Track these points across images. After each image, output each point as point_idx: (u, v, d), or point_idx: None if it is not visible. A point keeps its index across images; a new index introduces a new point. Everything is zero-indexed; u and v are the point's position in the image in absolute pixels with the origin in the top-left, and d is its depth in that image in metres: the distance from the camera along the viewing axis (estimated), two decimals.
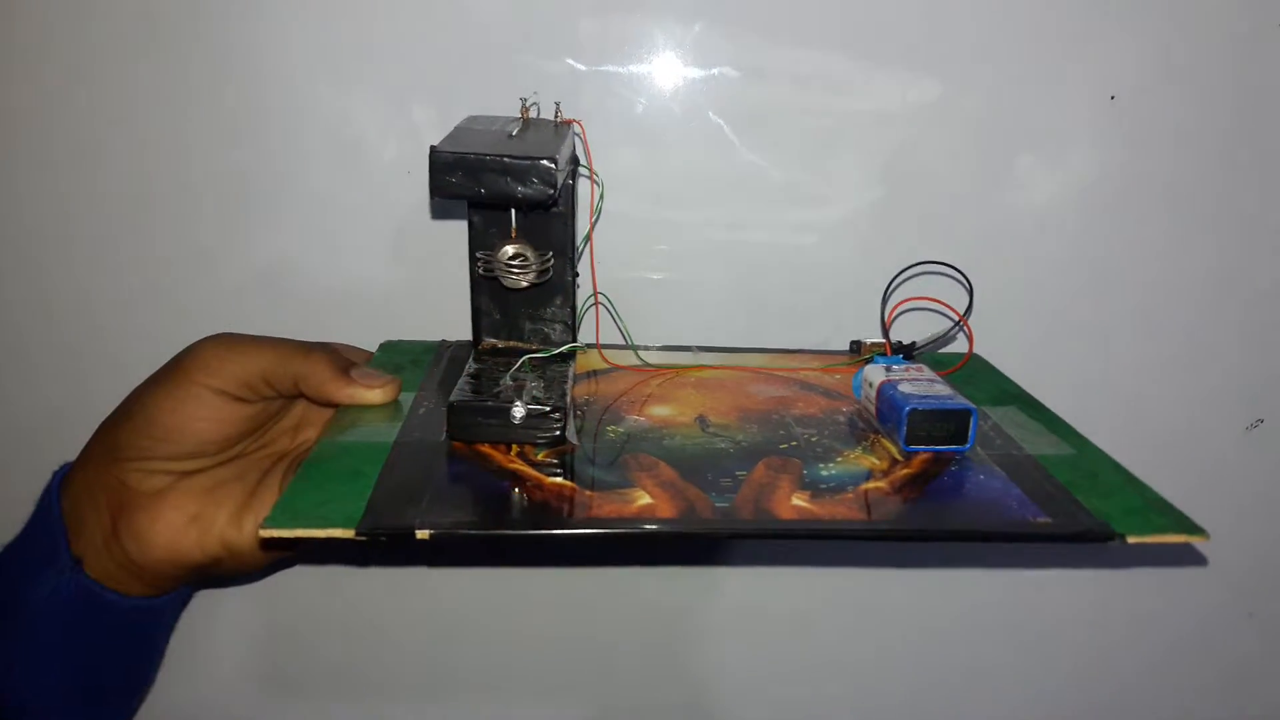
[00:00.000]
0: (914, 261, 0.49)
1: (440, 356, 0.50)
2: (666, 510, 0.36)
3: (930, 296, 0.48)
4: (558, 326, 0.47)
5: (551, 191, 0.38)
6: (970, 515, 0.36)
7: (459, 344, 0.52)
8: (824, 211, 0.55)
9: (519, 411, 0.39)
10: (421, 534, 0.33)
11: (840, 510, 0.36)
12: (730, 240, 0.55)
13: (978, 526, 0.35)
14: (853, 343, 0.54)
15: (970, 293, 0.48)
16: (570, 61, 0.51)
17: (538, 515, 0.35)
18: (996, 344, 0.53)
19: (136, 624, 0.45)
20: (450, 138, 0.39)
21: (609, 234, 0.51)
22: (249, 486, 0.45)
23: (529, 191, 0.38)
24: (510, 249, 0.42)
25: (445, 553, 0.60)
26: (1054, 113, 0.54)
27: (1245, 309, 0.58)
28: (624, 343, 0.51)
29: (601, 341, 0.50)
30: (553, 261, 0.44)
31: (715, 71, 0.52)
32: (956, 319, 0.48)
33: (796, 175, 0.54)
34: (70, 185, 0.53)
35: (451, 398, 0.40)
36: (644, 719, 0.65)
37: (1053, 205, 0.55)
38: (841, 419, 0.45)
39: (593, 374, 0.49)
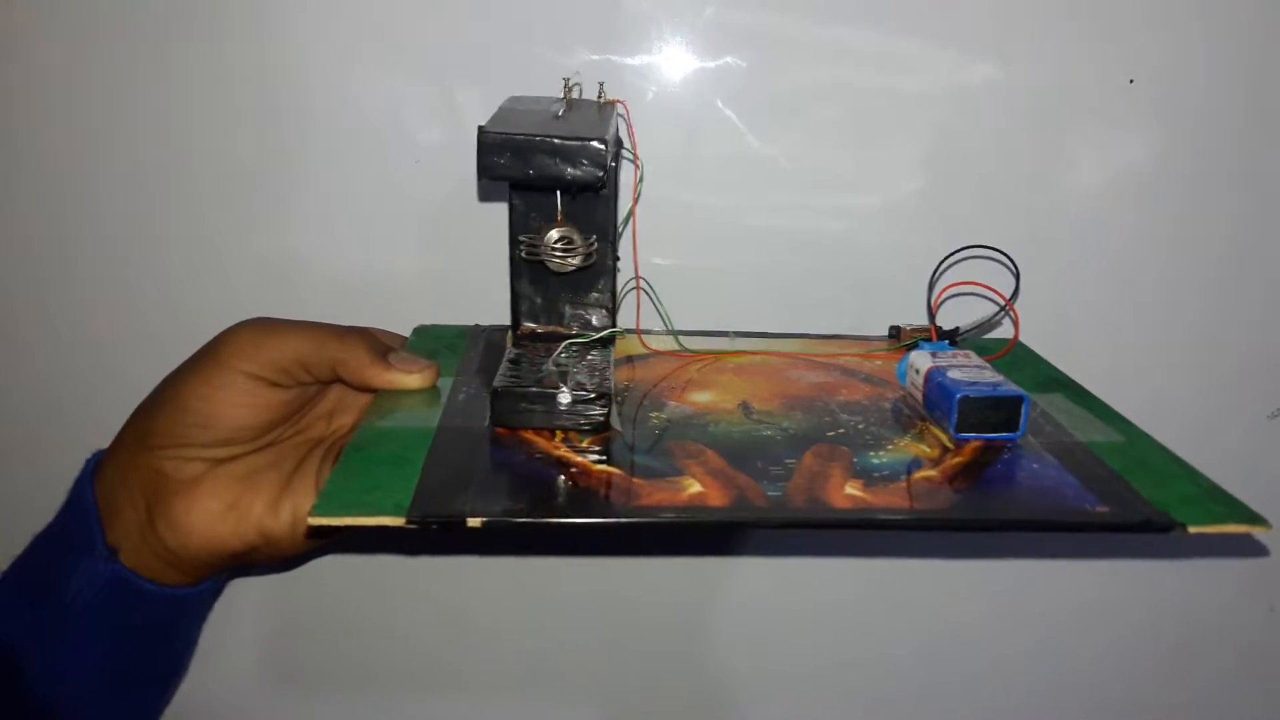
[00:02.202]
0: (959, 246, 0.48)
1: (475, 341, 0.50)
2: (718, 499, 0.35)
3: (975, 281, 0.48)
4: (598, 311, 0.46)
5: (601, 174, 0.37)
6: (1027, 504, 0.35)
7: (494, 328, 0.52)
8: (863, 197, 0.54)
9: (565, 398, 0.39)
10: (473, 522, 0.33)
11: (895, 499, 0.35)
12: (767, 225, 0.54)
13: (1039, 516, 0.35)
14: (892, 328, 0.53)
15: (1016, 277, 0.47)
16: (603, 46, 0.50)
17: (588, 503, 0.34)
18: (1034, 329, 0.52)
19: (172, 612, 0.45)
20: (497, 118, 0.39)
21: (644, 218, 0.51)
22: (285, 474, 0.44)
23: (578, 173, 0.37)
24: (556, 232, 0.41)
25: (490, 540, 0.59)
26: (1101, 97, 0.53)
27: (1269, 293, 0.57)
28: (661, 328, 0.50)
29: (640, 324, 0.49)
30: (596, 245, 0.43)
31: (753, 53, 0.51)
32: (1003, 304, 0.47)
33: (836, 159, 0.53)
34: (81, 178, 0.53)
35: (495, 383, 0.40)
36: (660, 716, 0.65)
37: (1094, 191, 0.54)
38: (887, 406, 0.44)
39: (630, 359, 0.48)
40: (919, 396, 0.44)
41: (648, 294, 0.48)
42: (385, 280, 0.55)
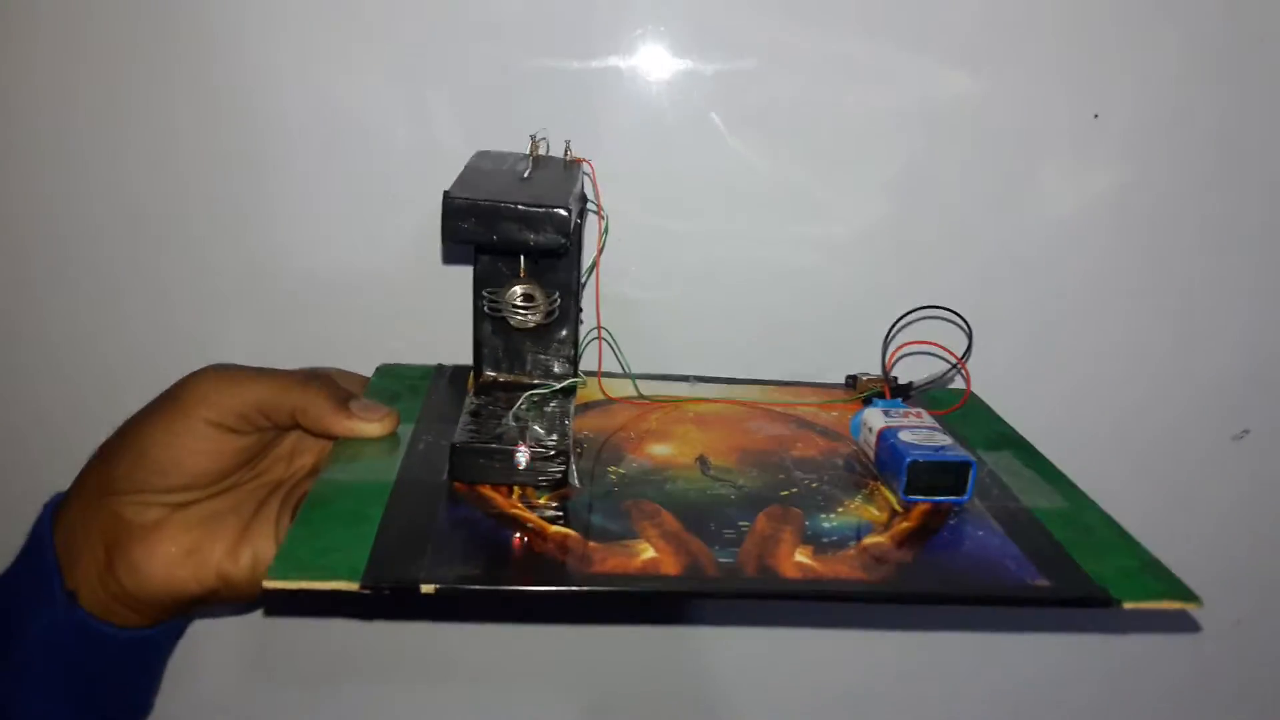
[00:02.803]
0: (915, 306, 0.49)
1: (437, 383, 0.50)
2: (670, 565, 0.36)
3: (928, 340, 0.49)
4: (560, 360, 0.47)
5: (564, 240, 0.37)
6: (969, 576, 0.36)
7: (456, 369, 0.52)
8: (829, 229, 0.55)
9: (522, 459, 0.39)
10: (427, 589, 0.33)
11: (842, 568, 0.36)
12: (730, 259, 0.56)
13: (979, 591, 0.36)
14: (849, 377, 0.54)
15: (969, 336, 0.49)
16: (569, 57, 0.51)
17: (541, 569, 0.35)
18: (992, 369, 0.54)
19: (133, 654, 0.45)
20: (463, 181, 0.39)
21: (612, 248, 0.51)
22: (244, 518, 0.45)
23: (541, 239, 0.37)
24: (519, 289, 0.42)
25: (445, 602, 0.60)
26: (1069, 131, 0.54)
27: (1231, 318, 0.59)
28: (623, 371, 0.51)
29: (601, 369, 0.50)
30: (559, 302, 0.43)
31: (724, 65, 0.52)
32: (954, 361, 0.48)
33: (804, 186, 0.54)
34: (53, 184, 0.53)
35: (454, 439, 0.40)
36: None
37: (1058, 227, 0.56)
38: (840, 462, 0.45)
39: (591, 406, 0.49)
40: (871, 454, 0.45)
41: (609, 345, 0.49)
42: (363, 304, 0.55)
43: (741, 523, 0.39)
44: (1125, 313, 0.58)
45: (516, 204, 0.37)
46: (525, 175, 0.41)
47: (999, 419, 0.51)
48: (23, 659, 0.42)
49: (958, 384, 0.54)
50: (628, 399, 0.50)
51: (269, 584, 0.33)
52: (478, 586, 0.34)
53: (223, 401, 0.42)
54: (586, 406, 0.49)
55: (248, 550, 0.44)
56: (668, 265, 0.55)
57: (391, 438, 0.44)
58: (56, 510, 0.43)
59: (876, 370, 0.54)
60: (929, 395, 0.52)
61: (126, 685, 0.46)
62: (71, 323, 0.56)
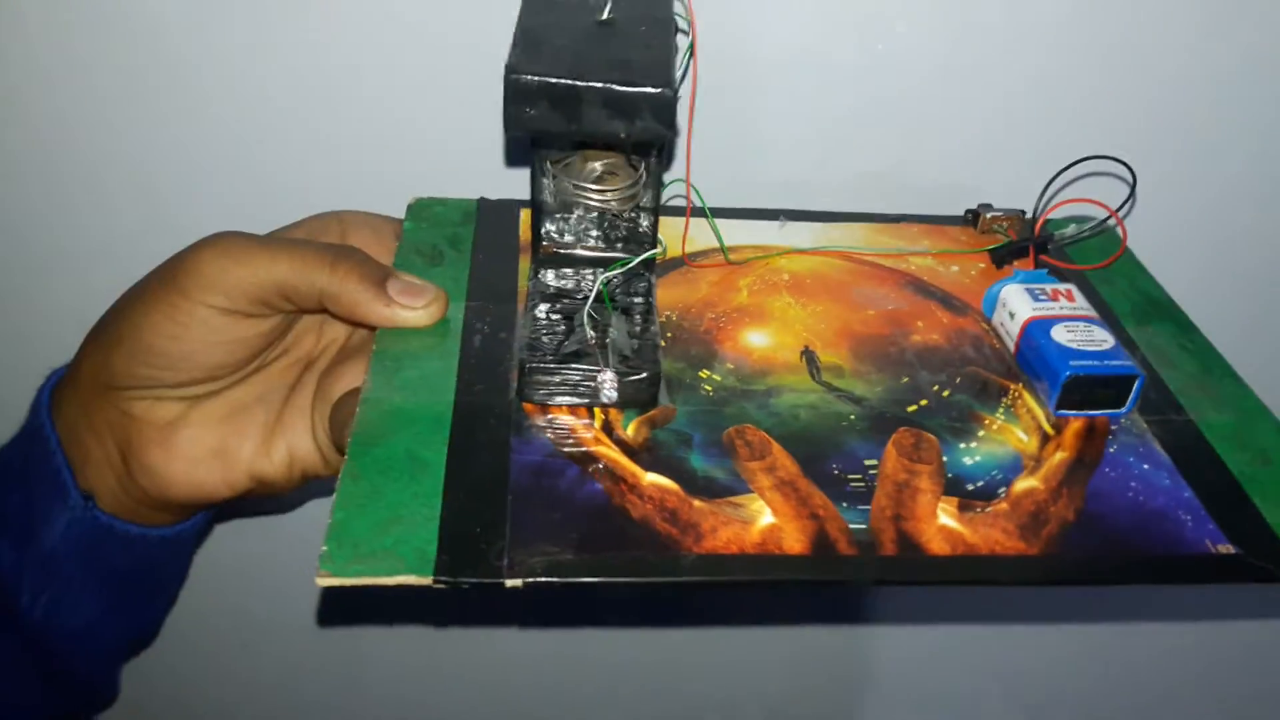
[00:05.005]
0: (1076, 159, 0.39)
1: (483, 230, 0.42)
2: (794, 535, 0.30)
3: (1084, 199, 0.40)
4: (639, 221, 0.38)
5: (668, 133, 0.28)
6: (1143, 538, 0.31)
7: (500, 205, 0.43)
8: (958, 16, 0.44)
9: (609, 389, 0.32)
10: (512, 583, 0.28)
11: (997, 536, 0.31)
12: (840, 69, 0.45)
13: (1162, 568, 0.30)
14: (969, 211, 0.46)
15: (1132, 187, 0.40)
16: None
17: (647, 552, 0.29)
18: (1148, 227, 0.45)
19: (165, 551, 0.41)
20: (525, 42, 0.28)
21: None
22: (274, 408, 0.39)
23: (636, 130, 0.28)
24: (599, 166, 0.32)
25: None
26: None
27: None
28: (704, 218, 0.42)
29: (688, 228, 0.41)
30: (646, 177, 0.34)
31: None
32: (1108, 213, 0.40)
33: None
34: None
35: (520, 355, 0.33)
36: None
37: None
38: (970, 351, 0.38)
39: (668, 267, 0.41)
40: (1010, 345, 0.38)
41: (698, 203, 0.40)
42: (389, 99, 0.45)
43: (868, 461, 0.33)
44: None
45: (608, 84, 0.27)
46: (605, 14, 0.30)
47: (1148, 276, 0.43)
48: (45, 555, 0.37)
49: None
50: (707, 260, 0.42)
51: (323, 581, 0.28)
52: (571, 580, 0.28)
53: (232, 285, 0.35)
54: (662, 269, 0.41)
55: (281, 444, 0.39)
56: (761, 84, 0.45)
57: (442, 324, 0.37)
58: (55, 394, 0.37)
59: (999, 204, 0.45)
60: (1068, 250, 0.44)
61: (158, 577, 0.43)
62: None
